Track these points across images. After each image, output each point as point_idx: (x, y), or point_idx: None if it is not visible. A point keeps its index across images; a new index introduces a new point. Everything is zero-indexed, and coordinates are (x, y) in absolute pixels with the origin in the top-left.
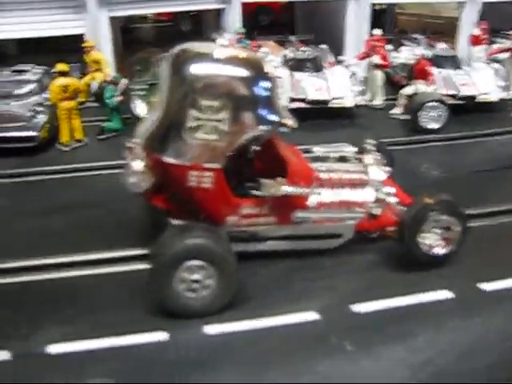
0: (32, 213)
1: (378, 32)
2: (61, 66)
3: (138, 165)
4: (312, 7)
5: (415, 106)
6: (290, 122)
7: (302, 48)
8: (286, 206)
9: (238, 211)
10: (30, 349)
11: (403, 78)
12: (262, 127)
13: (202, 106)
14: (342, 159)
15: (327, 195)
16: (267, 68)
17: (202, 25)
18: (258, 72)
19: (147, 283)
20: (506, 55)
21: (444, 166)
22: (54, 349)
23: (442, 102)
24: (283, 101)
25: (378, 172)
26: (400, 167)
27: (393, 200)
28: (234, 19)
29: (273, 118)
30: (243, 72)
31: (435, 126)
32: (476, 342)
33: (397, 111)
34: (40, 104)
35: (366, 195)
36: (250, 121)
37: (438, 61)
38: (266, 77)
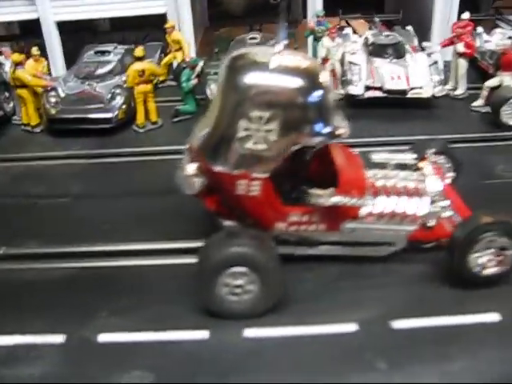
0: (101, 196)
1: (465, 16)
2: (138, 52)
3: (191, 168)
4: None
5: (498, 100)
6: (342, 131)
7: (385, 32)
8: (335, 216)
9: (287, 218)
10: (82, 335)
11: (491, 66)
12: (313, 138)
13: (251, 117)
14: (402, 167)
15: (381, 204)
16: (322, 77)
17: None
18: (312, 82)
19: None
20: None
21: None
22: (104, 338)
23: None
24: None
25: (436, 182)
26: (472, 167)
27: (448, 213)
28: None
29: (325, 129)
30: (295, 83)
31: None
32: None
33: (479, 103)
34: (119, 86)
35: (421, 206)
36: (301, 132)
37: None
38: (319, 87)
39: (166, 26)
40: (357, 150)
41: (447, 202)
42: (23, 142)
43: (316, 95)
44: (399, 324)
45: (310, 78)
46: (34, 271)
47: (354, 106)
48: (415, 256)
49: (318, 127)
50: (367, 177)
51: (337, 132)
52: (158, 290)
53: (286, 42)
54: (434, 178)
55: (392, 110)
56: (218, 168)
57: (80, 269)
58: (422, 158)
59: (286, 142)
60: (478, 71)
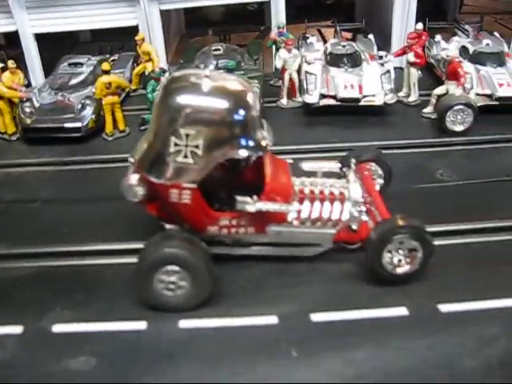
0: (68, 202)
1: (419, 26)
2: (104, 66)
3: (134, 178)
4: None
5: (442, 107)
6: (264, 143)
7: (343, 42)
8: (262, 220)
9: (217, 223)
10: (38, 327)
11: (444, 74)
12: (238, 152)
13: (181, 134)
14: (330, 174)
15: (305, 209)
16: (249, 97)
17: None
18: (235, 102)
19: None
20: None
21: (461, 172)
22: (57, 328)
23: (469, 105)
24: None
25: (357, 189)
26: (414, 171)
27: (365, 217)
28: (278, 11)
29: (248, 143)
30: (219, 103)
31: (461, 128)
32: (411, 364)
33: (428, 110)
34: (89, 97)
35: (343, 210)
36: (225, 147)
37: (479, 57)
38: (243, 106)
39: (136, 38)
40: (304, 156)
41: (363, 208)
42: (0, 150)
43: (239, 114)
44: (317, 317)
45: (234, 98)
46: None
47: (310, 113)
48: (341, 256)
49: (242, 142)
50: (294, 184)
51: (261, 144)
52: (108, 286)
53: (212, 66)
54: (357, 184)
55: (347, 116)
56: (153, 179)
57: (42, 267)
58: (347, 166)
59: (211, 155)
60: (435, 78)
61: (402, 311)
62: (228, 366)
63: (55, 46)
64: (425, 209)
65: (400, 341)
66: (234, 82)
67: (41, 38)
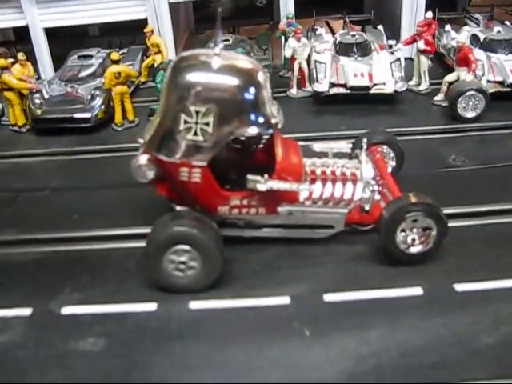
0: (76, 190)
1: (429, 15)
2: (113, 55)
3: (143, 158)
4: None
5: (454, 94)
6: (274, 121)
7: (352, 32)
8: (273, 200)
9: (228, 202)
10: (47, 309)
11: (455, 63)
12: (248, 129)
13: (190, 111)
14: (341, 155)
15: (317, 189)
16: (259, 75)
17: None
18: (248, 80)
19: (142, 262)
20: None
21: (473, 157)
22: (66, 310)
23: (481, 91)
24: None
25: (369, 169)
26: (427, 157)
27: (377, 197)
28: (287, 2)
29: (258, 120)
30: (231, 80)
31: (473, 114)
32: (426, 342)
33: (439, 98)
34: (98, 88)
35: (355, 191)
36: (235, 124)
37: (490, 45)
38: (254, 83)
39: (145, 30)
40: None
41: (376, 187)
42: (10, 140)
43: (249, 91)
44: (330, 297)
45: (244, 76)
46: (9, 255)
47: (320, 102)
48: (354, 238)
49: (252, 119)
50: (306, 164)
51: (271, 122)
52: (117, 269)
53: (222, 44)
54: (369, 165)
55: (357, 105)
56: (163, 157)
57: (50, 252)
58: (359, 147)
59: (221, 133)
60: (445, 67)
61: (417, 291)
62: (238, 345)
63: (65, 42)
64: (439, 192)
65: (415, 320)
66: (244, 61)
67: (51, 34)
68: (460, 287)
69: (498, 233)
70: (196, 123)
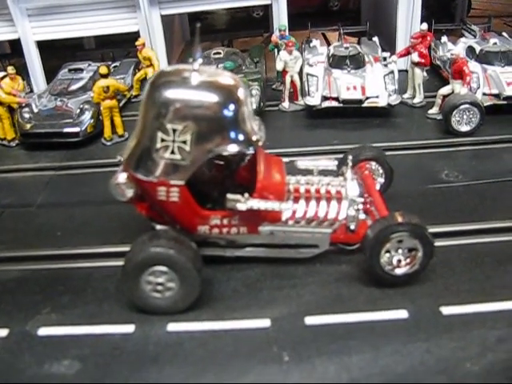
0: (62, 205)
1: (423, 27)
2: (102, 69)
3: (122, 176)
4: None
5: (448, 107)
6: (255, 138)
7: (346, 44)
8: (254, 219)
9: (208, 222)
10: (24, 330)
11: (450, 75)
12: (228, 147)
13: (167, 129)
14: (327, 172)
15: (302, 208)
16: (239, 91)
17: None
18: (227, 96)
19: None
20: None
21: (467, 173)
22: (43, 331)
23: (475, 104)
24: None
25: (355, 186)
26: (419, 172)
27: (363, 216)
28: (280, 14)
29: (238, 138)
30: (209, 97)
31: (468, 128)
32: (409, 369)
33: (434, 111)
34: (87, 102)
35: (340, 209)
36: (213, 142)
37: (486, 57)
38: (234, 100)
39: (137, 43)
40: (306, 158)
41: (361, 206)
42: None
43: (228, 108)
44: (312, 320)
45: (223, 92)
46: None
47: (312, 116)
48: (339, 258)
49: (232, 137)
50: (289, 182)
51: (252, 139)
52: (98, 288)
53: (200, 60)
54: (354, 182)
55: (350, 118)
56: (141, 176)
57: (32, 271)
58: (353, 164)
59: (199, 151)
60: (441, 80)
61: (402, 314)
62: (216, 370)
63: (60, 55)
64: (429, 210)
65: (398, 345)
66: (223, 77)
67: (46, 47)
68: (447, 310)
69: (489, 253)
70: (173, 141)
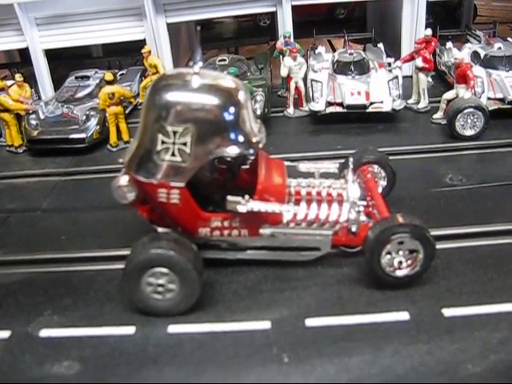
0: (67, 210)
1: (428, 32)
2: (107, 76)
3: (124, 179)
4: (379, 1)
5: (452, 111)
6: (255, 139)
7: (350, 50)
8: (255, 221)
9: (209, 224)
10: (26, 331)
11: (455, 80)
12: (228, 149)
13: (168, 131)
14: (328, 175)
15: (303, 211)
16: (239, 94)
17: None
18: (227, 99)
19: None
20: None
21: (471, 177)
22: (44, 333)
23: (479, 108)
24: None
25: (356, 189)
26: (424, 176)
27: (364, 218)
28: (285, 21)
29: (238, 140)
30: (209, 100)
31: (472, 132)
32: (409, 370)
33: (438, 116)
34: (93, 108)
35: (341, 212)
36: (213, 144)
37: (490, 61)
38: (234, 102)
39: (143, 51)
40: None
41: (362, 208)
42: (6, 161)
43: (228, 111)
44: (312, 322)
45: (224, 95)
46: None
47: (317, 121)
48: (341, 260)
49: (232, 139)
50: (290, 185)
51: (252, 141)
52: (100, 291)
53: (200, 63)
54: (355, 185)
55: (355, 124)
56: (141, 178)
57: (35, 274)
58: (355, 167)
59: (200, 153)
60: (446, 85)
61: (403, 316)
62: (216, 372)
63: (67, 64)
64: (432, 213)
65: (399, 346)
66: (224, 80)
67: (54, 56)
68: (448, 312)
69: (491, 255)
70: (173, 143)
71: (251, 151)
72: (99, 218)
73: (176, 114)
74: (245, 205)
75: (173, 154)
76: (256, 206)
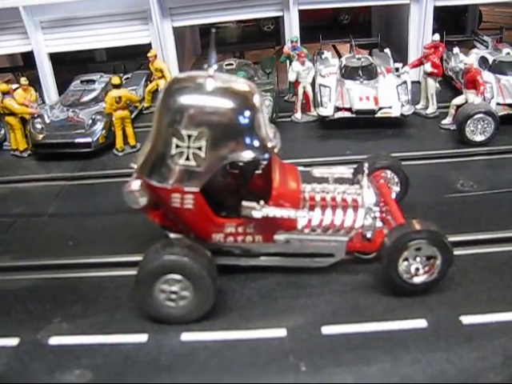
0: (74, 215)
1: (435, 37)
2: (114, 80)
3: (136, 184)
4: (384, 7)
5: (462, 117)
6: (270, 144)
7: (358, 55)
8: (270, 227)
9: (223, 230)
10: (35, 339)
11: (463, 85)
12: (243, 154)
13: (182, 135)
14: (342, 180)
15: (317, 216)
16: (255, 98)
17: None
18: (242, 102)
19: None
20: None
21: (482, 182)
22: (54, 341)
23: (489, 114)
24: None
25: (371, 194)
26: (435, 182)
27: (379, 224)
28: (292, 26)
29: (253, 144)
30: (224, 103)
31: (482, 138)
32: (429, 379)
33: (447, 121)
34: (99, 112)
35: (356, 217)
36: (228, 148)
37: (499, 67)
38: (249, 106)
39: (148, 54)
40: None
41: (378, 214)
42: (11, 165)
43: (243, 115)
44: (328, 330)
45: (239, 98)
46: (1, 283)
47: (325, 127)
48: (356, 267)
49: (247, 143)
50: (305, 190)
51: (267, 146)
52: (110, 298)
53: (216, 66)
54: (370, 190)
55: (363, 129)
56: (155, 183)
57: (43, 280)
58: (369, 173)
59: (215, 158)
60: (453, 90)
61: (421, 323)
62: (231, 380)
63: (71, 69)
64: (445, 219)
65: (418, 354)
66: (239, 83)
67: (58, 61)
68: (467, 320)
69: (508, 261)
70: (188, 147)
71: (266, 156)
72: (106, 223)
73: (191, 118)
74: (260, 210)
75: (187, 159)
76: (271, 211)
